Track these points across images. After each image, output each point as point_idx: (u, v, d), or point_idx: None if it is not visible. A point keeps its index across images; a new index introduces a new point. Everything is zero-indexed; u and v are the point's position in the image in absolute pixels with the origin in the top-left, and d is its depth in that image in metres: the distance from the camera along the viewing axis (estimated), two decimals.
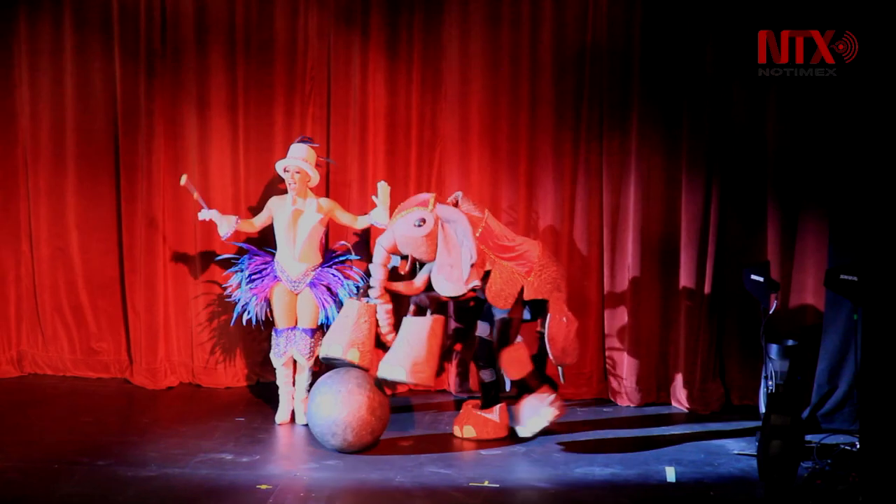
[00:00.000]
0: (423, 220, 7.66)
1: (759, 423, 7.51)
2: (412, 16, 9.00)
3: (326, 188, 9.03)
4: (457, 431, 7.99)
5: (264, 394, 8.91)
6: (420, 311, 8.01)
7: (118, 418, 8.52)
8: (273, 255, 8.50)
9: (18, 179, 9.42)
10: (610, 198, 8.88)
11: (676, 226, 8.78)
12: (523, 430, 7.93)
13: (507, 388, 8.17)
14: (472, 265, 7.60)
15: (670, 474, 7.26)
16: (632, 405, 8.88)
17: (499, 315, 7.90)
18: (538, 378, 8.01)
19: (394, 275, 7.99)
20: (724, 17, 8.56)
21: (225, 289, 8.79)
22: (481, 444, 7.83)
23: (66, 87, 9.28)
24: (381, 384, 7.72)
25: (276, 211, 8.38)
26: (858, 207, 8.10)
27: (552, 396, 7.94)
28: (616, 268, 8.90)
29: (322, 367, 8.19)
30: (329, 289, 8.38)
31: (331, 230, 8.77)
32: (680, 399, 8.85)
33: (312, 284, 8.36)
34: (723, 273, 8.70)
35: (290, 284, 8.37)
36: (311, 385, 8.15)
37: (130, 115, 9.15)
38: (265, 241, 8.64)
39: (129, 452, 7.49)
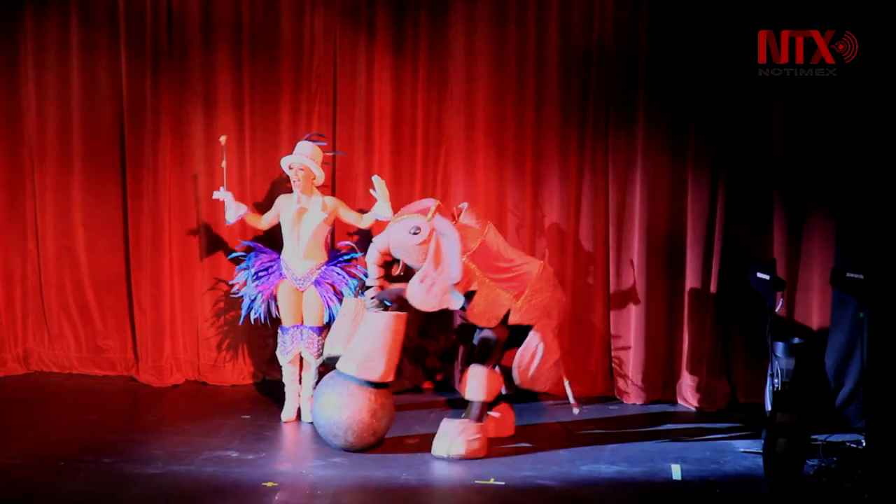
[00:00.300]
0: (419, 229, 7.57)
1: (764, 421, 7.50)
2: (418, 14, 9.00)
3: (333, 186, 9.03)
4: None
5: (270, 391, 8.91)
6: (403, 306, 7.90)
7: (124, 416, 8.53)
8: (279, 252, 8.52)
9: (24, 177, 9.43)
10: (616, 196, 8.88)
11: (682, 224, 8.78)
12: (434, 447, 7.59)
13: (504, 390, 8.09)
14: (455, 285, 7.47)
15: (676, 472, 7.26)
16: (638, 403, 8.88)
17: (482, 333, 7.79)
18: (483, 412, 7.69)
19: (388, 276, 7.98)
20: (730, 18, 8.56)
21: (232, 286, 8.80)
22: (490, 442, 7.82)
23: (73, 84, 9.29)
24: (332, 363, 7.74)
25: (283, 208, 8.40)
26: (864, 206, 8.10)
27: (476, 435, 7.52)
28: (622, 266, 8.89)
29: (328, 367, 8.19)
30: (334, 287, 8.38)
31: (337, 228, 8.78)
32: (686, 397, 8.85)
33: (317, 283, 8.36)
34: (729, 271, 8.71)
35: (296, 282, 8.37)
36: (317, 383, 8.15)
37: (136, 112, 9.16)
38: (274, 240, 8.63)
39: (135, 450, 7.49)
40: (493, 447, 7.64)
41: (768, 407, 7.48)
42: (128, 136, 9.19)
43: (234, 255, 8.80)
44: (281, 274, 8.43)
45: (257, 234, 8.79)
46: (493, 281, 7.63)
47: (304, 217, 8.33)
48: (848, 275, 7.44)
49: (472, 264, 7.60)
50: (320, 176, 8.40)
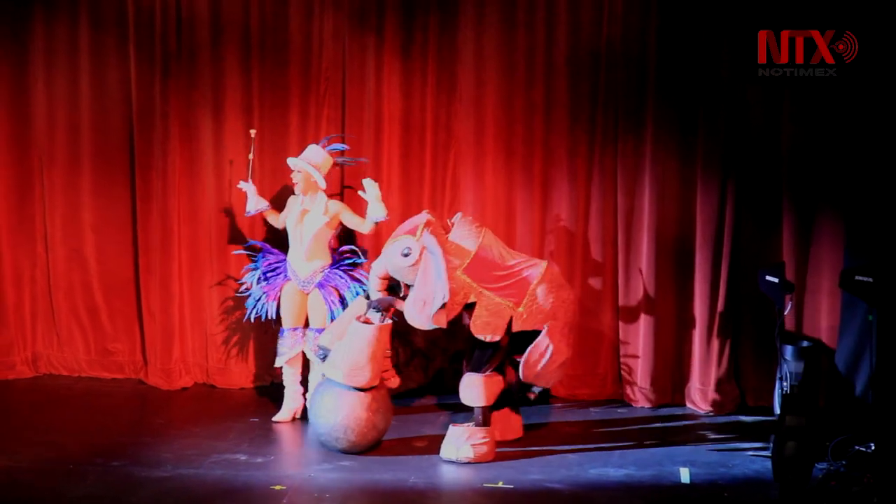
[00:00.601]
0: (410, 250, 7.59)
1: (773, 424, 7.49)
2: (427, 18, 9.00)
3: (341, 191, 9.03)
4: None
5: (279, 395, 8.89)
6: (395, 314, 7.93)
7: (132, 419, 8.55)
8: (286, 254, 8.54)
9: (33, 180, 9.43)
10: (625, 199, 8.87)
11: (691, 227, 8.77)
12: (442, 451, 7.60)
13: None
14: (443, 306, 7.44)
15: (685, 475, 7.25)
16: (646, 406, 8.86)
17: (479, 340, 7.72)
18: (487, 416, 7.68)
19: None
20: (740, 21, 8.54)
21: (240, 285, 8.82)
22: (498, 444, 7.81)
23: (82, 86, 9.29)
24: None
25: (290, 209, 8.44)
26: (873, 209, 8.09)
27: (484, 439, 7.55)
28: (630, 269, 8.88)
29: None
30: (337, 290, 8.40)
31: (344, 232, 8.78)
32: (695, 400, 8.83)
33: (321, 285, 8.37)
34: (738, 274, 8.69)
35: (300, 284, 8.39)
36: None
37: (145, 115, 9.16)
38: (283, 241, 8.64)
39: (144, 453, 7.50)
40: (501, 450, 7.65)
41: (777, 410, 7.47)
42: (137, 138, 9.20)
43: (242, 250, 8.85)
44: (286, 276, 8.45)
45: (267, 236, 8.81)
46: (491, 290, 7.61)
47: (305, 219, 8.36)
48: (857, 278, 7.44)
49: (467, 277, 7.58)
50: (321, 182, 8.39)
